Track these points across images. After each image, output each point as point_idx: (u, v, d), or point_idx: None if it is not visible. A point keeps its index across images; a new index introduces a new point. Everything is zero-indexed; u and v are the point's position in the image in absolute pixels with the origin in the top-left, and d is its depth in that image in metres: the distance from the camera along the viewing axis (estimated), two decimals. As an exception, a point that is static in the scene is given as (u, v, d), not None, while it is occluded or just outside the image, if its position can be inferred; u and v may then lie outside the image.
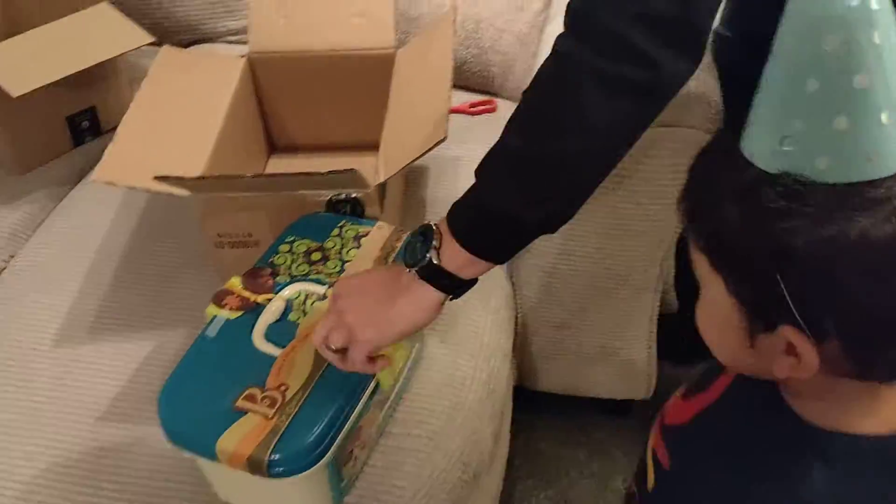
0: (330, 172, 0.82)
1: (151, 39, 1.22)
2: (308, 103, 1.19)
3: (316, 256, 0.86)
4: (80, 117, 1.30)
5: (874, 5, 0.41)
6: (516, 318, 1.10)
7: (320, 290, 0.82)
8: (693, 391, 0.65)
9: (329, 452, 0.71)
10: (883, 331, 0.45)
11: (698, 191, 0.51)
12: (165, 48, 1.13)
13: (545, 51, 1.28)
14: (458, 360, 0.93)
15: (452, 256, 0.66)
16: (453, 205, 0.68)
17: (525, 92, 0.67)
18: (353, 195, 0.91)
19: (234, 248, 0.97)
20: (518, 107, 0.68)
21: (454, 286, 0.68)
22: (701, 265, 0.51)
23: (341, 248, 0.87)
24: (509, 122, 0.67)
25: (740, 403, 0.59)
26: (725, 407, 0.60)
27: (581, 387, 1.22)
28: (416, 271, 0.67)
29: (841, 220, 0.42)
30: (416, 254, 0.68)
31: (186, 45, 1.45)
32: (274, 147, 1.25)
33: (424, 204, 1.11)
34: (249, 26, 1.16)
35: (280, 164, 1.23)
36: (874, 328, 0.45)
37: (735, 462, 0.56)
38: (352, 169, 0.81)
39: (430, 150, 0.86)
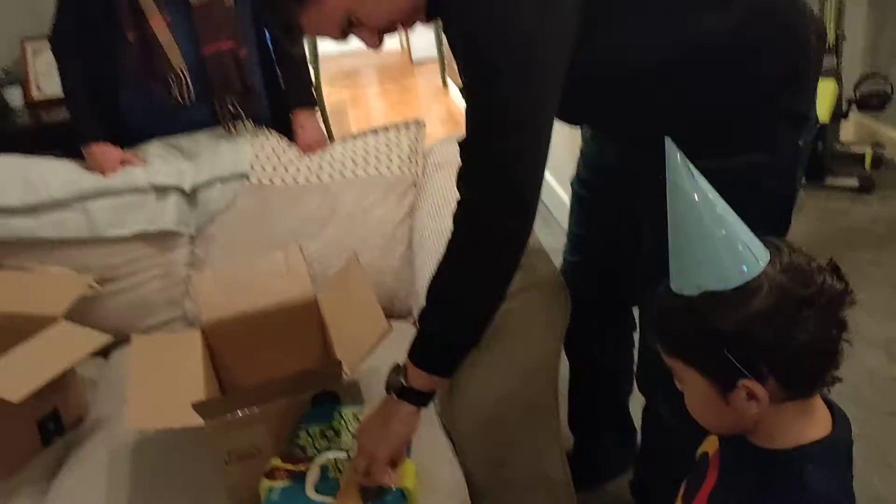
0: (319, 368, 1.14)
1: (110, 339, 1.49)
2: (252, 353, 1.49)
3: (330, 434, 1.16)
4: (47, 419, 1.50)
5: (711, 195, 0.77)
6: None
7: (343, 454, 1.11)
8: (691, 493, 0.91)
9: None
10: (795, 359, 0.75)
11: (659, 324, 0.83)
12: (135, 336, 1.41)
13: (420, 275, 1.69)
14: None
15: (415, 378, 1.04)
16: (410, 345, 1.05)
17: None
18: (332, 390, 1.22)
19: (242, 460, 1.21)
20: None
21: (421, 398, 1.05)
22: (677, 367, 0.82)
23: (347, 425, 1.17)
24: (431, 281, 1.06)
25: (733, 469, 0.85)
26: (725, 479, 0.86)
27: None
28: (395, 394, 1.04)
29: (744, 304, 0.74)
30: (394, 384, 1.04)
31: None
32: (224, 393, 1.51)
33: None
34: (199, 304, 1.48)
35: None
36: (789, 359, 0.74)
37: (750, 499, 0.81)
38: (337, 361, 1.13)
39: (380, 340, 1.21)
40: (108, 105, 1.86)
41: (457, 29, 0.97)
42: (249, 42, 1.87)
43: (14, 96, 2.54)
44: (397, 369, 1.07)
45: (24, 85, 2.54)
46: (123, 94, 1.85)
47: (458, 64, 1.00)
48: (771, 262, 0.77)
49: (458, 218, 1.03)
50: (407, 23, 1.03)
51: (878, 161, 3.09)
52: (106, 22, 1.77)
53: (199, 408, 1.12)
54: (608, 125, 1.22)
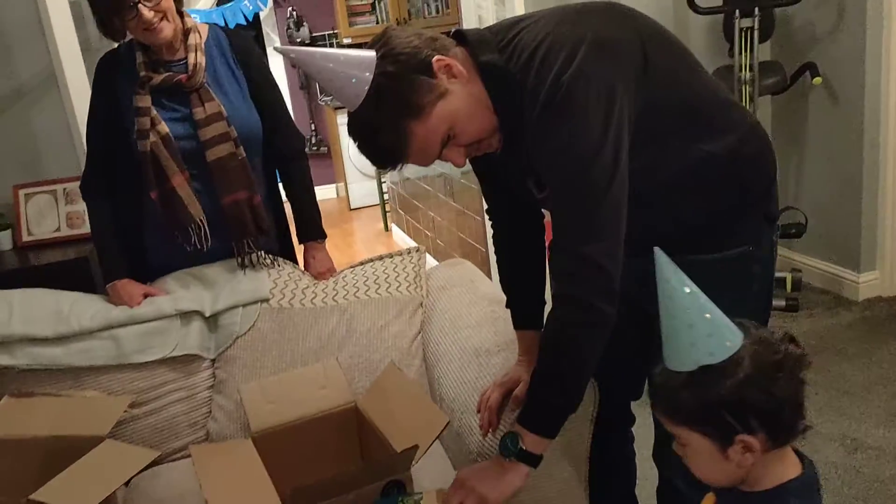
0: (396, 454, 1.26)
1: (158, 454, 1.56)
2: (296, 459, 1.59)
3: (400, 516, 1.26)
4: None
5: (695, 289, 0.97)
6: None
7: (418, 528, 1.23)
8: None
9: None
10: (778, 412, 0.94)
11: (664, 400, 1.01)
12: (193, 447, 1.49)
13: (437, 387, 1.82)
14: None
15: (531, 443, 1.21)
16: (520, 418, 1.24)
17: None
18: (399, 479, 1.33)
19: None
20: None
21: (535, 461, 1.23)
22: (682, 434, 0.99)
23: (412, 508, 1.28)
24: (539, 357, 1.26)
25: None
26: None
27: None
28: (515, 457, 1.21)
29: (733, 373, 0.94)
30: (510, 450, 1.21)
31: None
32: None
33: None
34: (248, 415, 1.58)
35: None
36: (773, 412, 0.94)
37: None
38: (414, 445, 1.26)
39: (441, 432, 1.35)
40: (133, 244, 1.99)
41: (538, 150, 1.20)
42: (261, 187, 2.04)
43: (4, 240, 2.63)
44: (510, 436, 1.24)
45: (15, 229, 2.64)
46: (147, 235, 2.00)
47: (540, 175, 1.24)
48: (744, 337, 0.98)
49: (560, 305, 1.23)
50: (485, 142, 1.25)
51: (797, 284, 3.46)
52: (131, 176, 1.92)
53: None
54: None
